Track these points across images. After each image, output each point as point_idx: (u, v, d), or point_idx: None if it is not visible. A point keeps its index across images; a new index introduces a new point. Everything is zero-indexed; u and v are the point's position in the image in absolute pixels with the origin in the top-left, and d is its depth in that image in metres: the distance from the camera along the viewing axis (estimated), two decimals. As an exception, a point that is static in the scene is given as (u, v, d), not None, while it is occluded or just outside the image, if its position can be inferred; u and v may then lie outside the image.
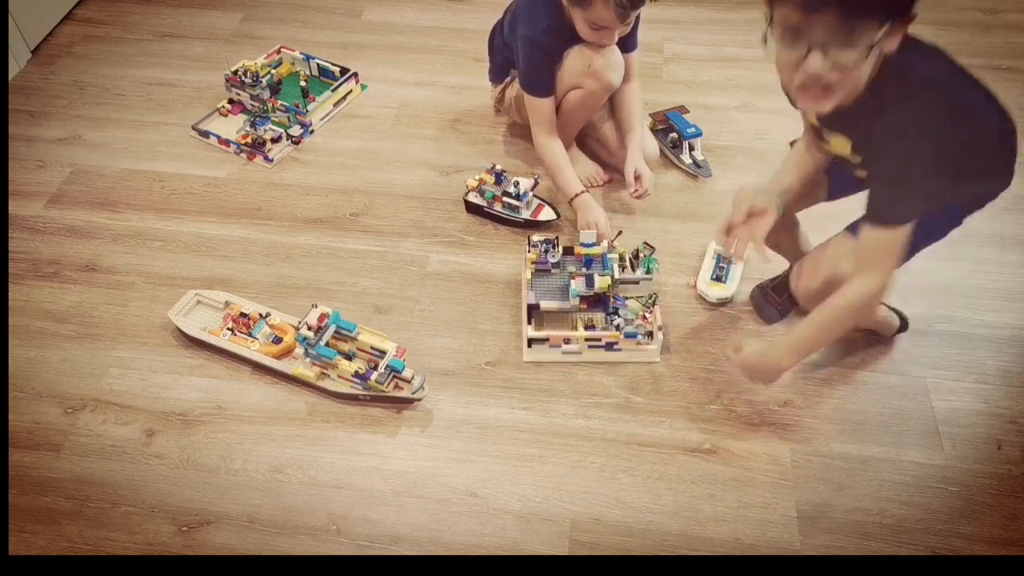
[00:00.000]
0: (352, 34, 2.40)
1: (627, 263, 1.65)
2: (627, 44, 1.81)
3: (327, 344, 1.51)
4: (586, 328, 1.58)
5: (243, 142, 1.99)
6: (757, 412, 1.49)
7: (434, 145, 2.04)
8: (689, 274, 1.73)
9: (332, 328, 1.52)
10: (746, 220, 1.33)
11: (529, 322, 1.57)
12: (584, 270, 1.61)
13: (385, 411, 1.51)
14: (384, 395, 1.49)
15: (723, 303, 1.67)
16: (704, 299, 1.67)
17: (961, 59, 1.16)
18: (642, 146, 1.82)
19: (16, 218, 1.86)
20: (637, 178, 1.76)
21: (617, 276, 1.62)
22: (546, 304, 1.58)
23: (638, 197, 1.78)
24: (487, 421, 1.49)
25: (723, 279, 1.68)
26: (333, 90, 2.11)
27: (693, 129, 1.95)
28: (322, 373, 1.52)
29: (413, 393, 1.48)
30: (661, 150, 1.99)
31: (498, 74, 1.96)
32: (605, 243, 1.65)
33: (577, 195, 1.76)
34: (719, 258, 1.73)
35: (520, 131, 2.05)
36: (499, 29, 1.89)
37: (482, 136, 2.06)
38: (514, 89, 1.91)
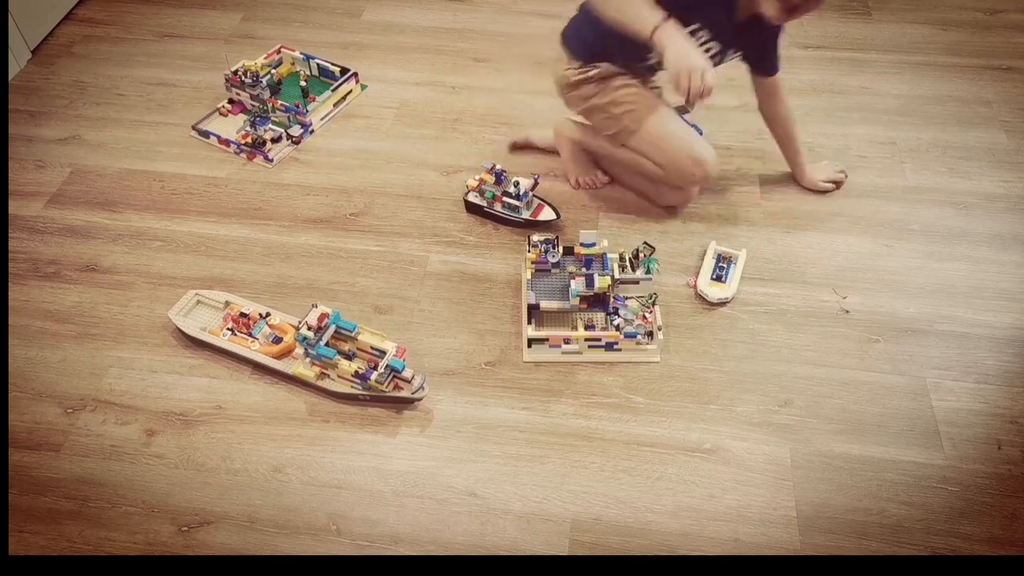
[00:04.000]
0: (352, 34, 2.40)
1: (627, 263, 1.65)
2: (767, 67, 1.76)
3: (327, 344, 1.51)
4: (586, 328, 1.58)
5: (243, 142, 1.99)
6: (757, 412, 1.49)
7: (434, 145, 2.04)
8: (689, 274, 1.73)
9: (332, 328, 1.52)
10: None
11: (529, 322, 1.57)
12: (584, 270, 1.61)
13: (385, 411, 1.51)
14: (384, 395, 1.49)
15: (723, 303, 1.67)
16: (704, 299, 1.67)
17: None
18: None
19: (16, 218, 1.86)
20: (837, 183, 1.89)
21: (617, 276, 1.62)
22: (546, 304, 1.58)
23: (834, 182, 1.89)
24: (487, 421, 1.49)
25: (723, 279, 1.69)
26: (333, 90, 2.11)
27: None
28: (322, 373, 1.52)
29: (413, 393, 1.48)
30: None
31: (581, 49, 1.73)
32: (689, 103, 1.49)
33: (658, 26, 1.41)
34: (719, 258, 1.73)
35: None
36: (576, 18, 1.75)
37: (482, 136, 2.06)
38: (604, 95, 1.72)
